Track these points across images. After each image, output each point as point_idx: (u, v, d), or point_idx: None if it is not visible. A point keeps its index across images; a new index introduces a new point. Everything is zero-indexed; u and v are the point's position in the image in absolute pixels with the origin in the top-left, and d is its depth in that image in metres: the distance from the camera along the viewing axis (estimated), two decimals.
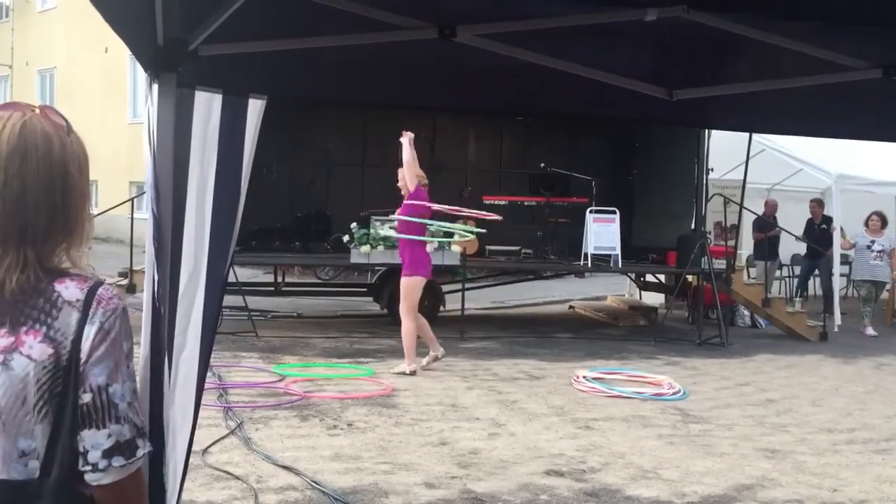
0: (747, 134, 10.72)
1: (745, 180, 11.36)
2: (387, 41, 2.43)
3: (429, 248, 8.81)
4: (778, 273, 13.88)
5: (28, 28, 25.91)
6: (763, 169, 12.45)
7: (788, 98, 2.91)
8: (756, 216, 12.75)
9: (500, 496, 4.82)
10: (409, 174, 7.98)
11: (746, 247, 13.11)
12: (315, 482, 4.85)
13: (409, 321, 7.95)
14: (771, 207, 13.07)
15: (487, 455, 5.58)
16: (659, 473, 5.34)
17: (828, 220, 12.80)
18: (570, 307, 13.80)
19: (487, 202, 11.18)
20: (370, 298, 11.90)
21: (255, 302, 10.67)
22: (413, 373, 7.91)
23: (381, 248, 10.38)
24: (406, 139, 7.93)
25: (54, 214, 1.48)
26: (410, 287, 8.00)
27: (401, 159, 8.09)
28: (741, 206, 11.39)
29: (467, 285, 11.28)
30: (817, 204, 13.14)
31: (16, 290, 1.43)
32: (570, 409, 6.94)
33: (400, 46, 2.47)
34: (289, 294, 12.19)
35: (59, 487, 1.44)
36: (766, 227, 12.70)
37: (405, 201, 8.07)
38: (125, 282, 9.99)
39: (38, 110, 1.50)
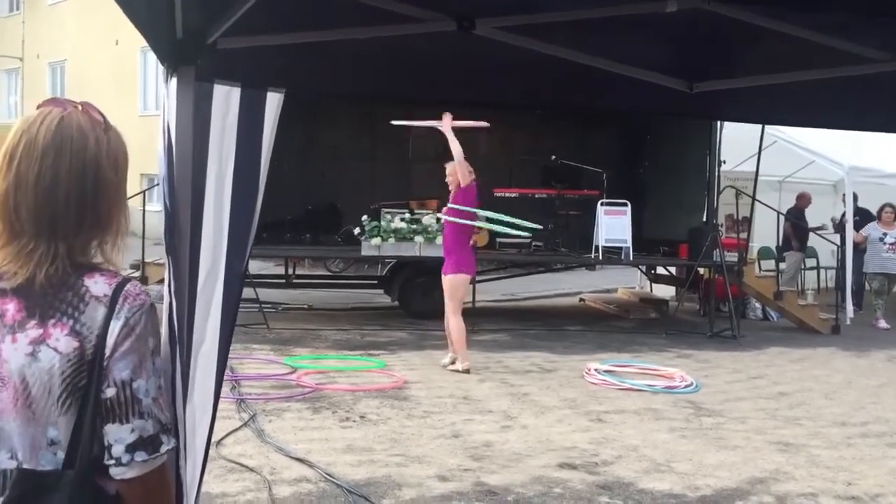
0: (760, 126, 10.65)
1: (757, 172, 11.29)
2: (405, 34, 2.41)
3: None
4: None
5: (39, 20, 25.96)
6: (775, 161, 12.38)
7: (809, 90, 2.87)
8: (789, 209, 12.79)
9: (513, 489, 4.82)
10: (462, 169, 7.65)
11: (759, 239, 13.06)
12: (328, 474, 4.86)
13: (456, 319, 7.79)
14: (804, 200, 13.02)
15: (500, 448, 5.58)
16: (672, 466, 5.33)
17: (862, 213, 12.77)
18: (581, 300, 13.78)
19: (498, 194, 11.17)
20: (381, 291, 11.90)
21: (266, 294, 10.69)
22: (466, 371, 7.76)
23: (391, 240, 10.38)
24: (446, 123, 7.58)
25: (84, 208, 1.49)
26: (455, 285, 7.81)
27: (446, 153, 7.78)
28: (753, 198, 11.32)
29: (478, 278, 11.26)
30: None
31: (45, 283, 1.46)
32: (582, 401, 6.93)
33: (418, 40, 2.46)
34: (300, 286, 12.20)
35: (80, 480, 1.46)
36: (799, 219, 12.71)
37: (457, 195, 7.76)
38: (137, 274, 10.03)
39: (79, 107, 1.53)
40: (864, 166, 12.60)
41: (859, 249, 12.43)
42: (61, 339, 1.43)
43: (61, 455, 1.45)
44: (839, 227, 12.81)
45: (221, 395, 2.24)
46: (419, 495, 4.67)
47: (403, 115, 11.66)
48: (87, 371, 1.45)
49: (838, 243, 12.18)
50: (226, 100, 2.15)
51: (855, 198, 12.84)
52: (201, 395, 2.19)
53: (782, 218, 12.82)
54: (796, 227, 12.74)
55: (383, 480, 4.86)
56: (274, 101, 2.19)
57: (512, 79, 2.95)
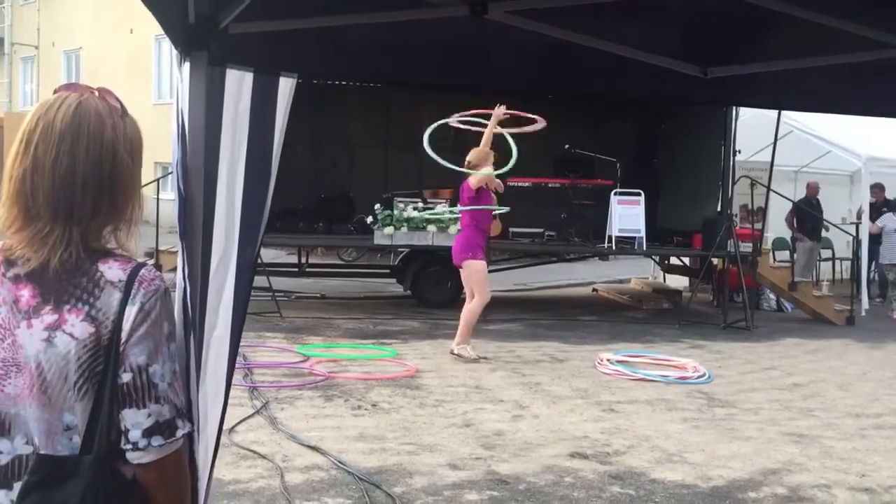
0: (775, 115, 10.57)
1: (772, 162, 11.21)
2: (417, 19, 2.39)
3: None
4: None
5: (54, 8, 26.04)
6: (791, 151, 12.30)
7: (825, 75, 2.84)
8: (800, 199, 12.74)
9: (525, 478, 4.82)
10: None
11: (773, 230, 12.99)
12: (340, 462, 4.87)
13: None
14: (812, 189, 12.96)
15: (511, 437, 5.58)
16: (684, 457, 5.32)
17: (890, 204, 12.67)
18: (594, 290, 13.74)
19: (511, 184, 11.12)
20: (393, 280, 11.91)
21: (279, 282, 10.72)
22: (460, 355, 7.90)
23: (404, 229, 10.38)
24: (494, 116, 7.96)
25: (101, 193, 1.50)
26: None
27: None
28: (768, 188, 11.24)
29: (490, 267, 11.23)
30: (879, 188, 12.97)
31: (58, 268, 1.46)
32: (594, 391, 6.92)
33: (431, 25, 2.44)
34: (312, 275, 12.23)
35: (98, 464, 1.46)
36: (809, 208, 12.67)
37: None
38: (152, 262, 10.07)
39: (96, 92, 1.53)
40: (882, 156, 12.49)
41: (878, 241, 12.35)
42: (77, 325, 1.44)
43: (77, 440, 1.46)
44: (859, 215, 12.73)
45: (234, 382, 2.24)
46: (431, 483, 4.68)
47: (415, 101, 11.54)
48: (103, 356, 1.45)
49: (853, 234, 12.09)
50: (238, 85, 2.14)
51: (882, 188, 12.74)
52: (213, 381, 2.19)
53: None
54: (808, 215, 12.64)
55: (395, 468, 4.87)
56: (286, 86, 2.18)
57: (524, 65, 2.92)
